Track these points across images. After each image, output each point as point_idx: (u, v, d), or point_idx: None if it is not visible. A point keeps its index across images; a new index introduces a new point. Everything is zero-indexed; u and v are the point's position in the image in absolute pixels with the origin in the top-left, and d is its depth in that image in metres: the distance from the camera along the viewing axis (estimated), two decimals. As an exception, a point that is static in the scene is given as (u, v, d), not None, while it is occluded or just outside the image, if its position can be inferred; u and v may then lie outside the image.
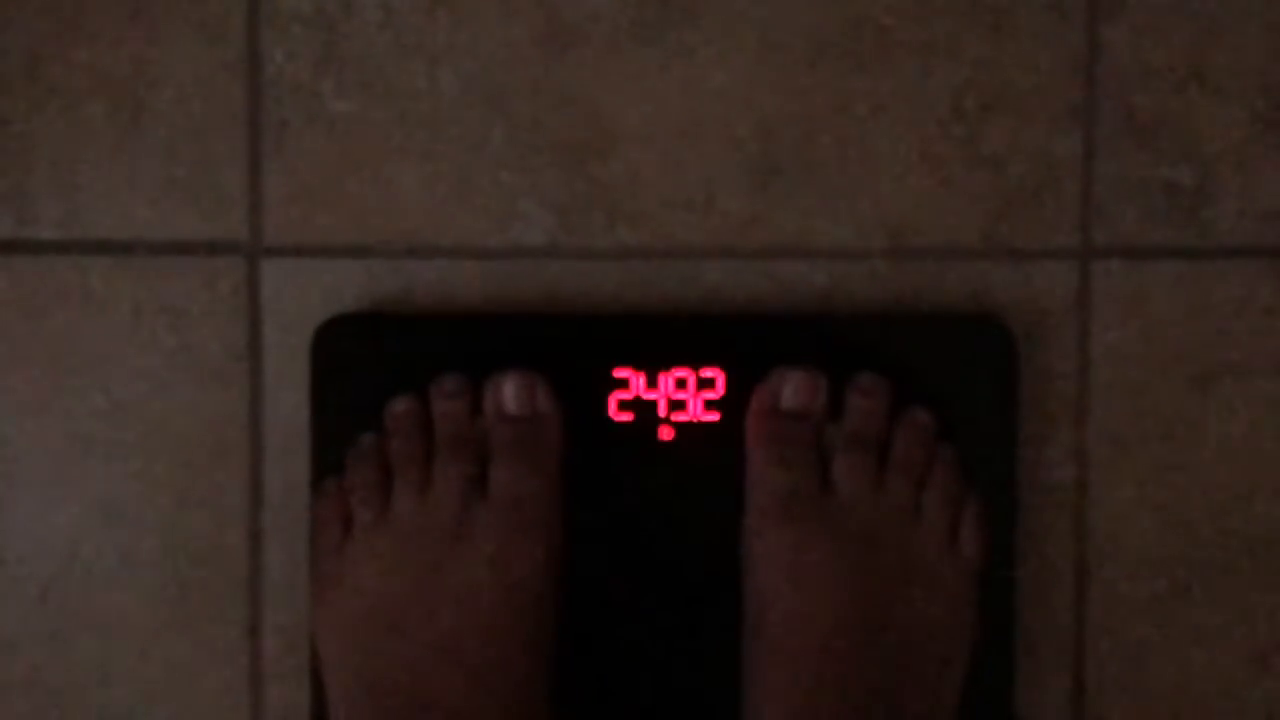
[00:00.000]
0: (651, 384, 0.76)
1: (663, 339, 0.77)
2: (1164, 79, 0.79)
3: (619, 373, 0.76)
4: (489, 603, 0.72)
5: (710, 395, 0.76)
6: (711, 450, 0.76)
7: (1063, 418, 0.80)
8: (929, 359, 0.77)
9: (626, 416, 0.76)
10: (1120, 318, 0.80)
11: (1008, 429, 0.77)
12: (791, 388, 0.75)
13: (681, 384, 0.76)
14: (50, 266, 0.78)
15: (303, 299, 0.79)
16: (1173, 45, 0.79)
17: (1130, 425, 0.80)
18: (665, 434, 0.76)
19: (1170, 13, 0.79)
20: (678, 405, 0.76)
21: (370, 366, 0.76)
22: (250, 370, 0.79)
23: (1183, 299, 0.80)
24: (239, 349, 0.79)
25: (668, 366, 0.76)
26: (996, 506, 0.76)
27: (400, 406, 0.75)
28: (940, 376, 0.77)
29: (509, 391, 0.75)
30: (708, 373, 0.76)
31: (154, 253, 0.79)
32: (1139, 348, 0.80)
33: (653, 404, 0.76)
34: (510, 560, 0.73)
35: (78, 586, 0.79)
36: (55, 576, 0.79)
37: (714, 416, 0.76)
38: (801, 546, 0.73)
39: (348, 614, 0.73)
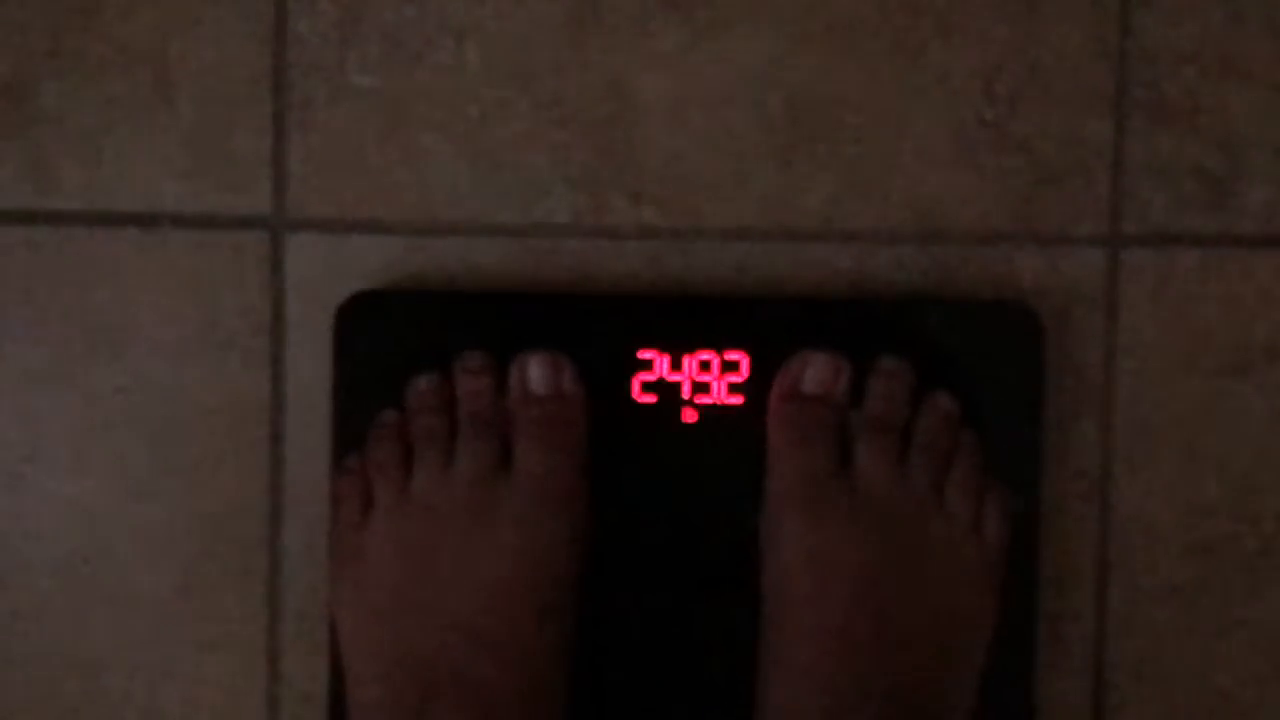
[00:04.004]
0: (675, 366, 0.76)
1: (687, 320, 0.76)
2: (1195, 64, 0.79)
3: (643, 354, 0.76)
4: (511, 581, 0.72)
5: (734, 378, 0.76)
6: (734, 434, 0.76)
7: (1088, 405, 0.79)
8: (955, 344, 0.76)
9: (650, 398, 0.76)
10: (1148, 305, 0.79)
11: (1033, 415, 0.77)
12: (814, 370, 0.75)
13: (705, 366, 0.76)
14: (73, 238, 0.78)
15: (326, 274, 0.78)
16: (1204, 30, 0.79)
17: (1156, 413, 0.79)
18: (688, 417, 0.76)
19: (1203, -3, 0.79)
20: (701, 388, 0.76)
21: (393, 343, 0.76)
22: (272, 345, 0.79)
23: (1211, 286, 0.79)
24: (262, 324, 0.78)
25: (692, 348, 0.76)
26: (1019, 493, 0.76)
27: (423, 383, 0.75)
28: (966, 362, 0.76)
29: (535, 371, 0.74)
30: (732, 355, 0.76)
31: (177, 226, 0.78)
32: (1166, 335, 0.79)
33: (676, 386, 0.76)
34: (534, 540, 0.72)
35: (97, 560, 0.79)
36: (75, 550, 0.79)
37: (738, 400, 0.76)
38: (821, 531, 0.73)
39: (368, 591, 0.73)
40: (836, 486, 0.74)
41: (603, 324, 0.76)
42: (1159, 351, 0.79)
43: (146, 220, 0.78)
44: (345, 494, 0.75)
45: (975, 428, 0.76)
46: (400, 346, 0.76)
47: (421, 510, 0.73)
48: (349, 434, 0.76)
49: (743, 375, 0.76)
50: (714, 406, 0.76)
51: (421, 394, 0.75)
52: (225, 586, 0.79)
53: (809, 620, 0.72)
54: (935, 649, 0.73)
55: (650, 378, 0.76)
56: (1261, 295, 0.79)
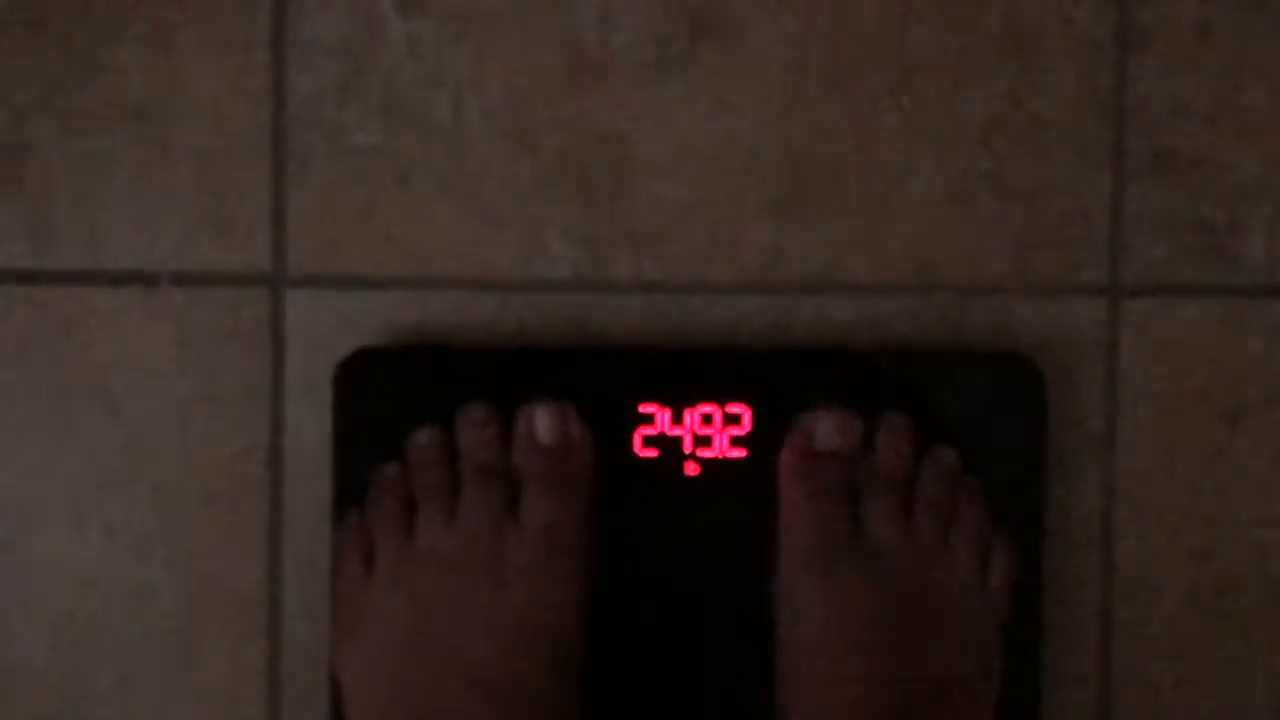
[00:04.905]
0: (677, 420, 0.76)
1: (688, 374, 0.76)
2: (1194, 114, 0.79)
3: (644, 408, 0.76)
4: (521, 633, 0.72)
5: (736, 431, 0.76)
6: (737, 487, 0.76)
7: (1090, 455, 0.79)
8: (956, 395, 0.76)
9: (651, 453, 0.76)
10: (1149, 355, 0.79)
11: (1035, 466, 0.77)
12: (827, 427, 0.74)
13: (707, 420, 0.76)
14: (72, 297, 0.78)
15: (326, 331, 0.78)
16: (1202, 80, 0.79)
17: (1158, 463, 0.79)
18: (691, 470, 0.76)
19: (1199, 47, 0.79)
20: (703, 441, 0.76)
21: (393, 400, 0.76)
22: (272, 403, 0.78)
23: (1212, 336, 0.79)
24: (262, 381, 0.78)
25: (693, 402, 0.76)
26: (1023, 544, 0.76)
27: (424, 437, 0.75)
28: (968, 413, 0.76)
29: (542, 421, 0.74)
30: (734, 408, 0.76)
31: (177, 284, 0.78)
32: (1167, 385, 0.79)
33: (678, 440, 0.76)
34: (543, 591, 0.72)
35: (97, 618, 0.78)
36: (74, 607, 0.78)
37: (740, 453, 0.76)
38: (837, 587, 0.73)
39: (372, 647, 0.73)
40: (850, 543, 0.73)
41: (603, 378, 0.76)
42: (1160, 401, 0.79)
43: (145, 278, 0.78)
44: (347, 550, 0.74)
45: (977, 478, 0.76)
46: (401, 403, 0.76)
47: (426, 564, 0.73)
48: (350, 491, 0.76)
49: (745, 428, 0.76)
50: (716, 460, 0.76)
51: (423, 448, 0.75)
52: (225, 645, 0.79)
53: (826, 676, 0.72)
54: (948, 702, 0.72)
55: (651, 432, 0.76)
56: (1261, 345, 0.79)
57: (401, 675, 0.72)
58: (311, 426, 0.78)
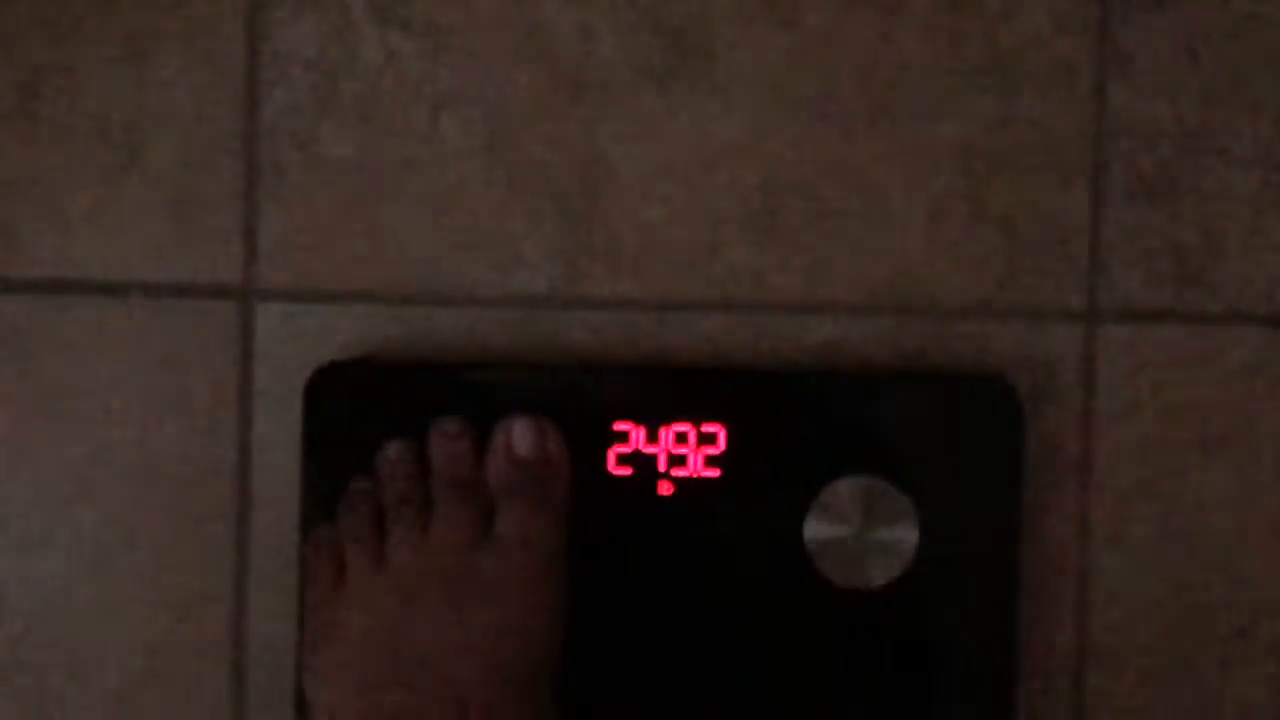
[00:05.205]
0: (652, 438, 0.75)
1: (663, 392, 0.76)
2: (1172, 140, 0.79)
3: (619, 426, 0.75)
4: (497, 646, 0.71)
5: (711, 451, 0.75)
6: (711, 507, 0.75)
7: (1067, 480, 0.79)
8: (933, 418, 0.76)
9: (625, 471, 0.75)
10: (1126, 381, 0.79)
11: (1011, 491, 0.76)
12: None
13: (682, 439, 0.75)
14: (40, 307, 0.77)
15: (296, 345, 0.77)
16: (1180, 107, 0.79)
17: (1134, 488, 0.79)
18: (664, 489, 0.75)
19: (1178, 74, 0.79)
20: (678, 460, 0.75)
21: (364, 415, 0.75)
22: (241, 416, 0.77)
23: (1188, 363, 0.79)
24: (230, 394, 0.77)
25: (668, 421, 0.75)
26: (999, 569, 0.75)
27: (394, 450, 0.74)
28: (944, 436, 0.76)
29: (520, 434, 0.73)
30: (709, 428, 0.75)
31: (146, 295, 0.77)
32: (1144, 411, 0.79)
33: (652, 459, 0.75)
34: (521, 603, 0.71)
35: (60, 632, 0.77)
36: (38, 621, 0.77)
37: (714, 473, 0.75)
38: None
39: (342, 662, 0.71)
40: None
41: (578, 395, 0.75)
42: (1136, 427, 0.79)
43: (114, 289, 0.77)
44: (316, 564, 0.73)
45: (953, 502, 0.75)
46: (372, 418, 0.75)
47: (399, 578, 0.72)
48: (319, 506, 0.75)
49: (719, 447, 0.75)
50: (691, 479, 0.75)
51: (394, 461, 0.74)
52: (190, 659, 0.77)
53: None
54: None
55: (626, 450, 0.75)
56: (1238, 371, 0.79)
57: (373, 691, 0.70)
58: (280, 441, 0.77)
